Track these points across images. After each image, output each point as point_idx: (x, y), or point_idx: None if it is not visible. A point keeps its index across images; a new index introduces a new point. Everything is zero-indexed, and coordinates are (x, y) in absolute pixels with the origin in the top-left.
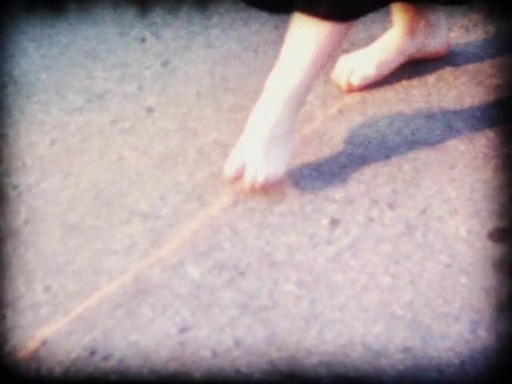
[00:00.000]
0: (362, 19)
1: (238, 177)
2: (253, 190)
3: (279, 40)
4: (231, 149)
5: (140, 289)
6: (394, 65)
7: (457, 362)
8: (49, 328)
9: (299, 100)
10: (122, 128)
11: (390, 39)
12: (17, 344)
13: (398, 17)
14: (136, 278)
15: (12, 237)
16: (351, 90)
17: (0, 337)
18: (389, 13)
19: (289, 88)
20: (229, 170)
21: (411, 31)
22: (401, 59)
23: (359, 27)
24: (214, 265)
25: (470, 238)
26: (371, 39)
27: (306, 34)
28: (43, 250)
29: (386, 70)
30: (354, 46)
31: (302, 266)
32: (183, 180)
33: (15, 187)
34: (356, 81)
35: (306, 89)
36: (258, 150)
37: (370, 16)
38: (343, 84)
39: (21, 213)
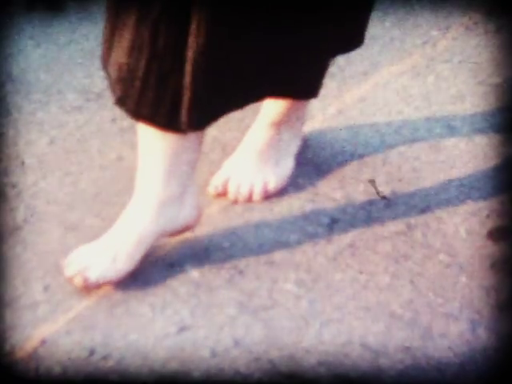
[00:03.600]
0: None
1: (222, 193)
2: (236, 203)
3: None
4: (231, 147)
5: (139, 288)
6: (138, 256)
7: (456, 361)
8: (48, 327)
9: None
10: (122, 127)
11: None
12: (15, 343)
13: None
14: (135, 277)
15: (11, 236)
16: (87, 286)
17: None
18: (389, 11)
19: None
20: (212, 188)
21: (157, 211)
22: (145, 247)
23: None
24: (213, 264)
25: (470, 237)
26: (371, 37)
27: (153, 144)
28: (42, 249)
29: (130, 263)
30: None
31: (301, 265)
32: None
33: (14, 186)
34: (94, 276)
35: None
36: (244, 165)
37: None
38: (77, 278)
39: (20, 212)
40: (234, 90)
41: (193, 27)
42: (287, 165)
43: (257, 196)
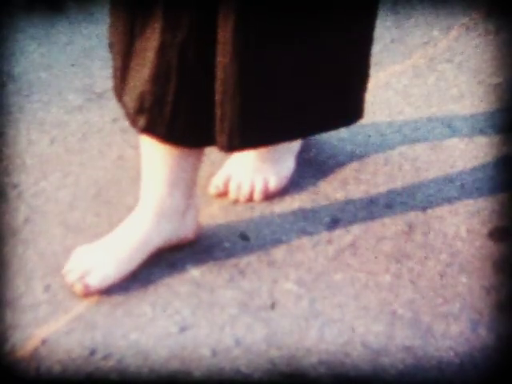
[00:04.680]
0: None
1: (223, 192)
2: (236, 202)
3: None
4: None
5: (140, 288)
6: (136, 263)
7: (457, 361)
8: (48, 327)
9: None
10: (122, 127)
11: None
12: (16, 343)
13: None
14: (136, 276)
15: (12, 236)
16: (88, 293)
17: (0, 336)
18: (390, 12)
19: None
20: (213, 187)
21: (159, 221)
22: (144, 254)
23: None
24: (214, 263)
25: (470, 237)
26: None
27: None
28: (43, 249)
29: (128, 268)
30: None
31: (302, 264)
32: None
33: (15, 186)
34: (94, 282)
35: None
36: (245, 165)
37: None
38: (78, 286)
39: (21, 212)
40: (276, 114)
41: (220, 46)
42: (288, 164)
43: (257, 195)
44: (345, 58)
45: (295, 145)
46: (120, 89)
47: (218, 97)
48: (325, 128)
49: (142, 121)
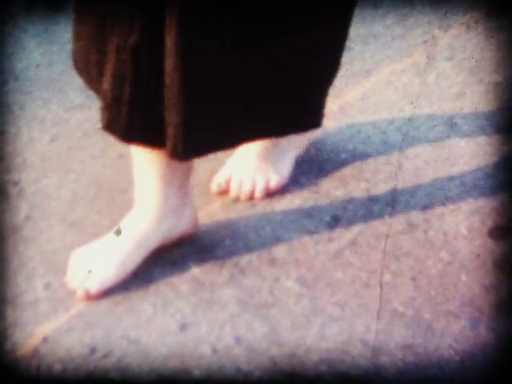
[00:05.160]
0: (363, 16)
1: (224, 190)
2: (237, 200)
3: None
4: None
5: (140, 286)
6: (135, 262)
7: (457, 359)
8: (49, 325)
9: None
10: None
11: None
12: (17, 341)
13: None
14: (136, 275)
15: (13, 233)
16: (89, 297)
17: (0, 334)
18: (390, 10)
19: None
20: (214, 185)
21: (157, 220)
22: (143, 254)
23: (360, 23)
24: (215, 262)
25: (471, 235)
26: (372, 35)
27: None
28: (44, 246)
29: (127, 269)
30: (354, 42)
31: (302, 263)
32: None
33: (16, 184)
34: (95, 286)
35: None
36: (246, 163)
37: (371, 12)
38: (79, 292)
39: (21, 209)
40: (222, 121)
41: (166, 53)
42: (288, 162)
43: (259, 194)
44: (298, 65)
45: (295, 143)
46: (96, 86)
47: (165, 103)
48: (274, 134)
49: (104, 118)
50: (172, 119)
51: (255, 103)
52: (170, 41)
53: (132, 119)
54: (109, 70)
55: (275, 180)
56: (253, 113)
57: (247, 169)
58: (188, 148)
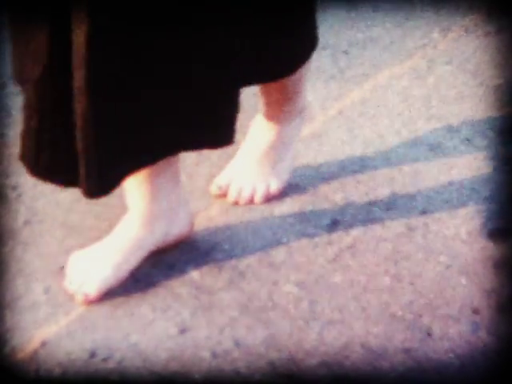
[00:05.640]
0: (362, 19)
1: (224, 193)
2: (236, 205)
3: None
4: (231, 149)
5: (140, 289)
6: (132, 265)
7: (457, 363)
8: (48, 329)
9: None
10: None
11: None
12: (16, 345)
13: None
14: (136, 278)
15: (12, 237)
16: (89, 301)
17: None
18: (389, 13)
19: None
20: (214, 187)
21: (150, 223)
22: (140, 256)
23: (359, 27)
24: (214, 265)
25: (470, 238)
26: (370, 40)
27: None
28: (43, 250)
29: (125, 272)
30: (354, 46)
31: (301, 266)
32: (183, 181)
33: (15, 188)
34: (93, 290)
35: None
36: (246, 168)
37: (370, 15)
38: (78, 296)
39: (20, 213)
40: (130, 151)
41: (75, 90)
42: (287, 167)
43: (259, 199)
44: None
45: (294, 147)
46: None
47: (76, 142)
48: (183, 149)
49: (18, 149)
50: (82, 157)
51: (162, 119)
52: (77, 80)
53: (39, 155)
54: (23, 102)
55: (275, 185)
56: (162, 129)
57: (247, 174)
58: (102, 185)
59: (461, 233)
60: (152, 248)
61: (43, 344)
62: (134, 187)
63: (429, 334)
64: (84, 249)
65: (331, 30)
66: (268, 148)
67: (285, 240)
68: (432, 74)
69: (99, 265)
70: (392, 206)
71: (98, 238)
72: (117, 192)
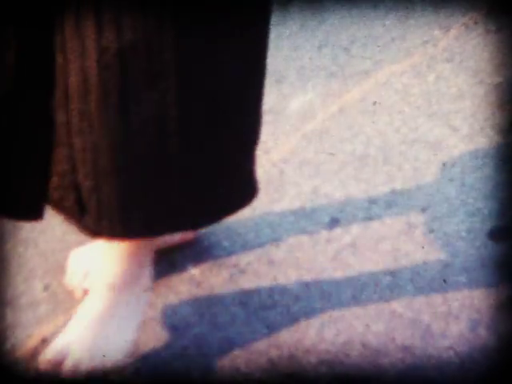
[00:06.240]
0: (363, 17)
1: (58, 362)
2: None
3: None
4: None
5: None
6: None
7: (457, 360)
8: (48, 326)
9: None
10: None
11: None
12: (16, 342)
13: None
14: None
15: (12, 235)
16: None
17: None
18: (390, 11)
19: None
20: (44, 360)
21: None
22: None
23: (359, 24)
24: (214, 263)
25: (470, 237)
26: (371, 37)
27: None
28: (43, 247)
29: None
30: (354, 43)
31: (301, 264)
32: None
33: None
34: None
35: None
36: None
37: (370, 14)
38: (78, 292)
39: None
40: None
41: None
42: (129, 333)
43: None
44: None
45: (141, 305)
46: None
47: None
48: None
49: None
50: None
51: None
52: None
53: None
54: None
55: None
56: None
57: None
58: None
59: (461, 231)
60: (155, 248)
61: (43, 341)
62: None
63: (428, 332)
64: (84, 245)
65: (331, 27)
66: (106, 310)
67: (285, 238)
68: (432, 71)
69: (100, 264)
70: (392, 203)
71: None
72: None
